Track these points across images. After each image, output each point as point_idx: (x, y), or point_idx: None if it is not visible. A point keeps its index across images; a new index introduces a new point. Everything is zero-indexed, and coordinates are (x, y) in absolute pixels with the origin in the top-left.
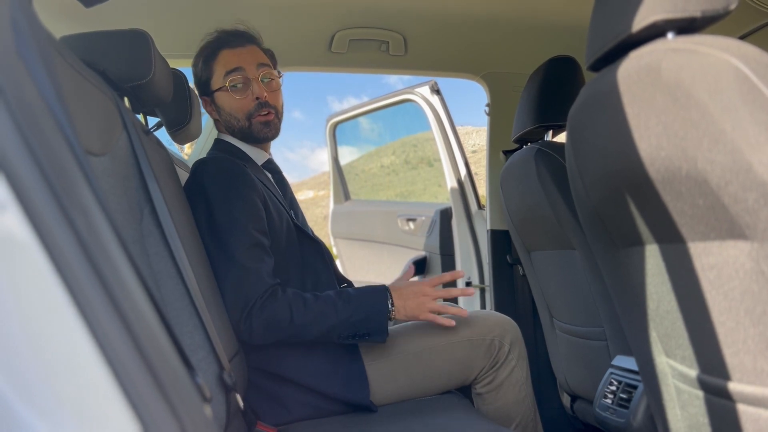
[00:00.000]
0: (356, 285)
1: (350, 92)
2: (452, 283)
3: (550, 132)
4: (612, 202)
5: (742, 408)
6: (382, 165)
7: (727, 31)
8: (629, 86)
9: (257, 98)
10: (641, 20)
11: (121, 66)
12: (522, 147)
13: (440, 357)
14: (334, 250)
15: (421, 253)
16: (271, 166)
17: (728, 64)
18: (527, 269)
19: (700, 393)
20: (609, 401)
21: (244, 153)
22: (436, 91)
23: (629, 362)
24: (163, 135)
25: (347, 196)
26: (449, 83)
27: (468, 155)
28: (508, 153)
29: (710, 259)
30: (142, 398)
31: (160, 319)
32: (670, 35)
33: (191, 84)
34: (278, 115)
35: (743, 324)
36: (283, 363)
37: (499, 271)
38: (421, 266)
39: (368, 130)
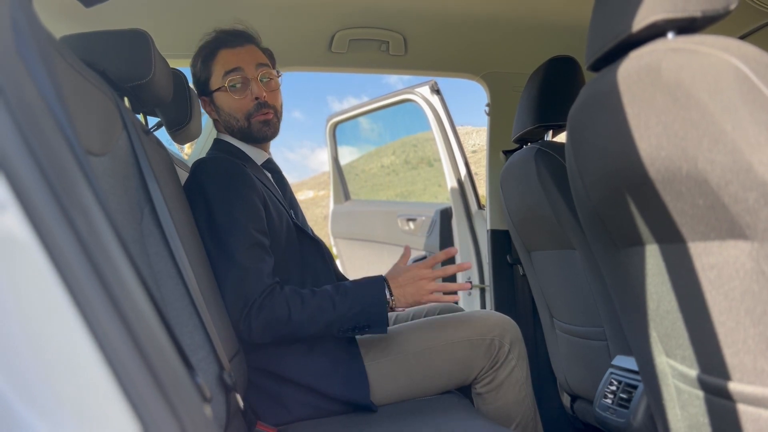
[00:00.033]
0: None
1: (350, 92)
2: (450, 261)
3: (550, 132)
4: (612, 202)
5: (742, 408)
6: (382, 165)
7: (727, 31)
8: (629, 86)
9: (256, 98)
10: (641, 20)
11: (121, 66)
12: (522, 147)
13: (440, 357)
14: (334, 250)
15: (422, 253)
16: (270, 165)
17: (728, 64)
18: (527, 269)
19: (700, 393)
20: (609, 401)
21: (244, 153)
22: (436, 91)
23: (629, 362)
24: (163, 135)
25: (347, 196)
26: (449, 83)
27: (468, 155)
28: (508, 153)
29: (710, 259)
30: (142, 398)
31: (160, 319)
32: (670, 35)
33: (191, 84)
34: (277, 115)
35: (743, 324)
36: (283, 363)
37: (499, 271)
38: None
39: (368, 130)
